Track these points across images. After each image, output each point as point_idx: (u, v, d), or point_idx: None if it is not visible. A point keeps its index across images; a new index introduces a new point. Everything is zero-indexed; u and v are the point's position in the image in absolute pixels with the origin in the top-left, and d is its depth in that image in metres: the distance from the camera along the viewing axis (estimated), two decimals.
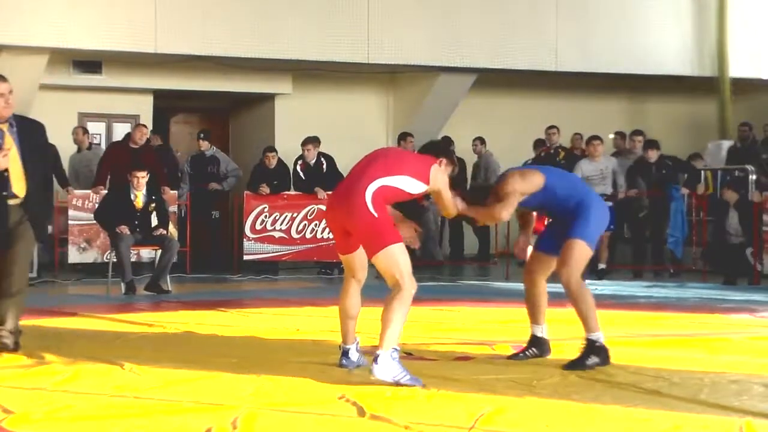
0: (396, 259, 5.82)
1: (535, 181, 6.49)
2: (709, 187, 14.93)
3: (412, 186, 6.02)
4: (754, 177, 14.18)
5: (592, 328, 6.38)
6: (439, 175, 6.12)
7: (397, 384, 5.58)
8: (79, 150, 14.64)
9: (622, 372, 6.18)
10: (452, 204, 6.29)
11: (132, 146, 13.57)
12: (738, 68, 17.24)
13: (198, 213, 14.50)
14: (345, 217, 5.96)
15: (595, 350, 6.33)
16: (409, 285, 5.85)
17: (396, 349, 5.70)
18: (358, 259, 6.20)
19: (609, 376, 6.02)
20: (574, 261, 6.43)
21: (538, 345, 6.75)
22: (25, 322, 8.53)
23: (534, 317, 6.81)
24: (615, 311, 9.69)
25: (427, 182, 6.05)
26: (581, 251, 6.45)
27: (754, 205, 13.34)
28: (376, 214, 5.82)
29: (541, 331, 6.79)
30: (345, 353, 6.28)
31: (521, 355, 6.72)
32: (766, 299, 10.86)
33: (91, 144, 14.94)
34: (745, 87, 17.47)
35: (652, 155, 13.91)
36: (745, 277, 12.88)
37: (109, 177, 13.50)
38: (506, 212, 6.47)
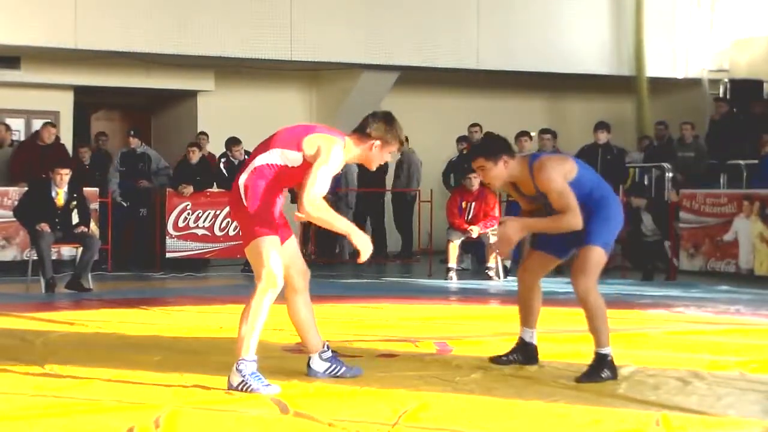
0: (260, 252, 5.45)
1: (569, 169, 5.92)
2: (627, 182, 15.18)
3: (288, 158, 5.55)
4: (671, 175, 14.45)
5: (604, 343, 5.89)
6: (319, 141, 5.57)
7: (244, 390, 5.38)
8: (1, 146, 14.37)
9: (543, 368, 6.27)
10: (312, 189, 5.41)
11: (40, 144, 13.42)
12: (655, 68, 17.57)
13: (126, 210, 14.37)
14: (231, 210, 5.74)
15: (607, 364, 5.86)
16: (268, 282, 5.45)
17: (247, 361, 5.44)
18: (248, 255, 5.66)
19: (530, 372, 6.11)
20: (592, 271, 5.98)
21: (524, 351, 6.31)
22: None
23: (525, 320, 6.38)
24: None
25: (299, 149, 5.52)
26: (600, 259, 6.01)
27: (671, 204, 13.60)
28: (246, 203, 5.48)
29: (531, 336, 6.35)
30: (308, 363, 5.91)
31: (504, 359, 6.29)
32: (682, 295, 11.10)
33: (13, 141, 14.71)
34: (662, 86, 17.80)
35: (602, 137, 14.09)
36: (663, 273, 13.13)
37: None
38: (579, 219, 5.85)
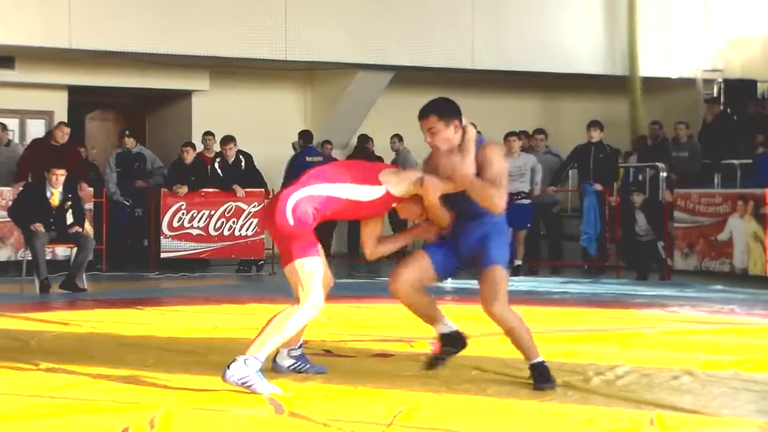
0: (304, 274, 5.50)
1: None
2: (618, 182, 15.20)
3: (358, 193, 5.61)
4: (665, 175, 14.47)
5: (534, 355, 5.68)
6: (395, 177, 5.64)
7: (244, 386, 5.36)
8: None
9: None
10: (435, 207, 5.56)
11: (53, 144, 13.38)
12: (649, 67, 17.58)
13: (121, 210, 14.36)
14: (268, 222, 5.69)
15: (545, 369, 5.65)
16: (313, 304, 5.52)
17: (258, 360, 5.42)
18: (289, 274, 5.63)
19: (525, 372, 6.09)
20: (502, 292, 5.60)
21: (449, 341, 6.01)
22: None
23: (430, 321, 6.01)
24: (531, 307, 9.82)
25: (378, 183, 5.62)
26: (505, 279, 5.65)
27: (665, 204, 13.62)
28: (292, 222, 5.49)
29: (445, 327, 6.02)
30: (273, 357, 5.99)
31: (437, 359, 6.02)
32: (677, 294, 11.12)
33: (9, 141, 14.69)
34: (656, 86, 17.82)
35: (595, 134, 14.12)
36: (657, 272, 13.15)
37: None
38: (503, 203, 5.58)
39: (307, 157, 15.68)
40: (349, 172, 5.71)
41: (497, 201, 5.54)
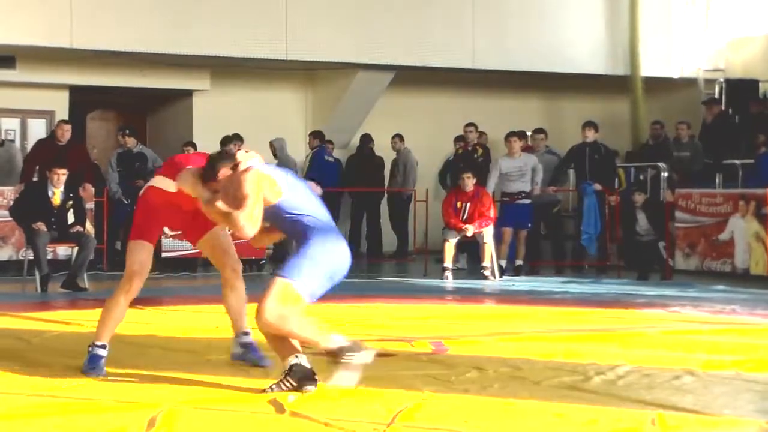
0: (128, 255, 6.16)
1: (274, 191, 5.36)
2: (621, 184, 15.20)
3: (165, 184, 6.03)
4: (666, 175, 14.47)
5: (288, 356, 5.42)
6: (189, 177, 5.73)
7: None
8: None
9: (539, 367, 6.28)
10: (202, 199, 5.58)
11: (58, 143, 13.37)
12: (650, 67, 17.56)
13: (123, 210, 14.34)
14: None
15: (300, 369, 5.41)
16: (124, 283, 6.07)
17: (101, 346, 5.96)
18: (204, 249, 6.34)
19: (526, 372, 6.12)
20: (273, 301, 5.26)
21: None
22: None
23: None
24: (531, 307, 9.84)
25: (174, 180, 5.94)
26: (285, 293, 5.27)
27: (666, 204, 13.62)
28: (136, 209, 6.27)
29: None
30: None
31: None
32: (678, 294, 11.10)
33: (4, 141, 14.68)
34: (657, 86, 17.81)
35: (589, 134, 14.12)
36: (658, 272, 13.15)
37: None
38: (250, 228, 5.28)
39: (325, 156, 15.72)
40: (164, 166, 6.36)
41: (239, 229, 5.30)
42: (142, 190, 6.24)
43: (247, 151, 5.56)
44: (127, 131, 14.91)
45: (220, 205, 5.35)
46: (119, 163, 14.58)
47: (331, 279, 5.45)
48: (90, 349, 6.09)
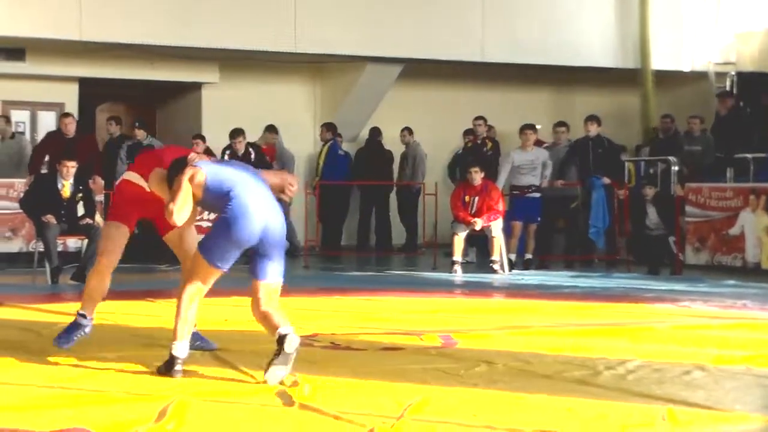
0: (102, 234, 6.72)
1: (198, 185, 5.82)
2: (631, 179, 15.15)
3: (138, 180, 6.40)
4: (677, 168, 14.43)
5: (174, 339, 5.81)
6: (153, 177, 6.15)
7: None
8: (2, 139, 14.37)
9: (548, 361, 6.27)
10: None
11: (66, 135, 13.36)
12: (660, 60, 17.52)
13: None
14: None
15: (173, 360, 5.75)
16: (100, 260, 6.53)
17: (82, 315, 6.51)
18: (171, 241, 6.71)
19: (536, 366, 6.11)
20: (191, 274, 5.93)
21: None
22: None
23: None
24: (541, 301, 9.82)
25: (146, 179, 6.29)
26: (198, 266, 5.90)
27: (676, 198, 13.58)
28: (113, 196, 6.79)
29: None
30: None
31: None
32: (688, 289, 11.07)
33: (14, 133, 14.69)
34: (668, 79, 17.76)
35: (592, 128, 14.07)
36: (668, 267, 13.11)
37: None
38: (177, 215, 5.81)
39: (338, 150, 15.74)
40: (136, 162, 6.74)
41: (169, 216, 5.85)
42: (118, 181, 6.74)
43: (198, 152, 6.37)
44: (137, 123, 14.94)
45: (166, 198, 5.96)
46: (129, 155, 14.58)
47: (238, 247, 5.85)
48: (75, 316, 6.60)
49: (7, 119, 14.59)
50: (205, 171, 5.86)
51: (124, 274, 12.54)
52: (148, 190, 6.36)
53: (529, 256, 13.70)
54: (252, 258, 5.91)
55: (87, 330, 6.57)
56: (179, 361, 5.72)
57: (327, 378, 5.64)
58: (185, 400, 4.99)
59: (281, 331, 5.62)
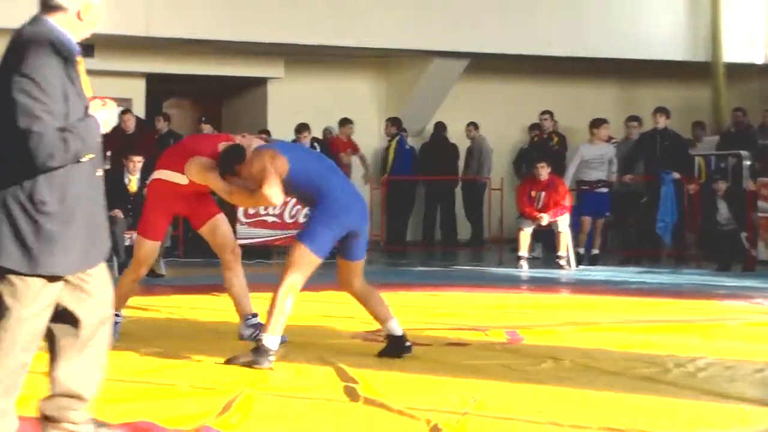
0: (135, 248, 6.75)
1: (281, 165, 5.91)
2: (702, 174, 14.91)
3: (173, 177, 6.44)
4: (749, 163, 14.16)
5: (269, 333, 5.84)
6: (194, 167, 6.24)
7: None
8: None
9: (615, 358, 6.18)
10: (222, 191, 6.20)
11: (126, 132, 13.49)
12: (732, 53, 17.22)
13: None
14: None
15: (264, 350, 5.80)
16: (131, 271, 6.70)
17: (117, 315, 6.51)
18: (206, 234, 6.77)
19: (603, 363, 6.02)
20: (291, 268, 5.84)
21: (396, 345, 6.14)
22: None
23: (381, 320, 6.20)
24: (608, 297, 9.71)
25: (182, 172, 6.35)
26: (301, 256, 5.84)
27: (748, 193, 13.34)
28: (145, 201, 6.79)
29: (394, 328, 6.15)
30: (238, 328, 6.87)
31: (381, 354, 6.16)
32: (761, 285, 10.85)
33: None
34: (739, 72, 17.46)
35: (660, 120, 13.87)
36: (740, 263, 12.87)
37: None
38: (276, 196, 5.87)
39: (405, 145, 15.74)
40: (164, 159, 6.73)
41: (268, 199, 5.91)
42: (150, 181, 6.73)
43: (243, 136, 6.33)
44: (203, 118, 15.06)
45: (242, 189, 6.06)
46: None
47: (341, 234, 5.92)
48: None
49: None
50: (285, 156, 5.92)
51: (190, 269, 12.68)
52: (183, 183, 6.40)
53: (596, 251, 13.55)
54: (344, 241, 6.02)
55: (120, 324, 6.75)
56: (272, 353, 5.75)
57: (392, 373, 5.61)
58: (251, 394, 5.00)
59: (393, 331, 6.09)
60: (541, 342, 6.81)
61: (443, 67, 16.47)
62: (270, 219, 14.15)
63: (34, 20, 3.83)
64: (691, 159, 14.62)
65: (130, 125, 13.52)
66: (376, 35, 15.62)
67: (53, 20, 3.83)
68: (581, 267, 12.91)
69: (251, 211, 14.08)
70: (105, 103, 3.95)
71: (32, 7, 3.91)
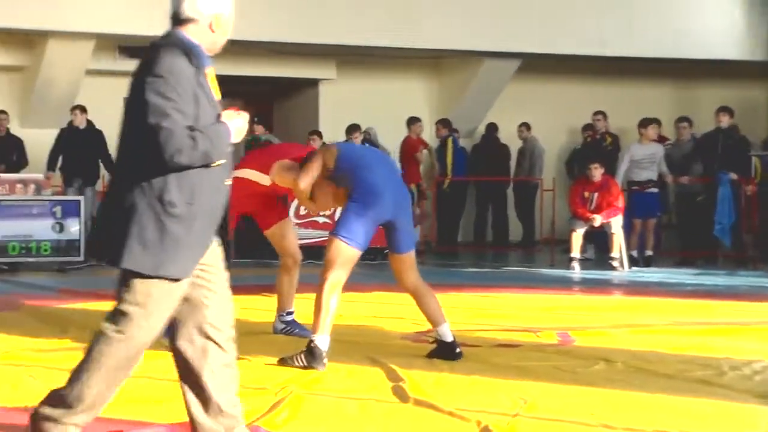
0: None
1: (330, 153, 6.09)
2: (757, 174, 14.69)
3: (256, 177, 6.61)
4: None
5: (315, 333, 5.90)
6: (278, 168, 6.46)
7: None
8: None
9: (669, 360, 6.11)
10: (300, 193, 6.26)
11: None
12: None
13: None
14: None
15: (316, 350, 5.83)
16: None
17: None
18: (274, 236, 6.95)
19: (656, 365, 5.95)
20: (330, 263, 5.87)
21: (444, 351, 6.08)
22: (72, 305, 8.62)
23: (432, 322, 6.16)
24: (662, 298, 9.60)
25: (266, 173, 6.56)
26: (337, 250, 5.88)
27: None
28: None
29: (444, 333, 6.10)
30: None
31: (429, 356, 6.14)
32: None
33: None
34: None
35: (723, 120, 13.71)
36: None
37: None
38: (302, 181, 6.09)
39: (458, 146, 15.72)
40: (249, 158, 6.98)
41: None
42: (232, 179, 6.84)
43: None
44: (256, 119, 15.15)
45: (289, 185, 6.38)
46: (247, 150, 14.76)
47: (375, 223, 5.94)
48: None
49: None
50: (337, 145, 6.19)
51: (240, 270, 12.72)
52: (264, 184, 6.54)
53: (649, 252, 13.42)
54: (387, 234, 6.04)
55: None
56: (324, 353, 5.76)
57: (442, 374, 5.59)
58: (300, 394, 5.00)
59: (443, 337, 6.05)
60: (592, 344, 6.75)
61: (495, 67, 16.41)
62: (321, 220, 14.16)
63: (167, 34, 3.90)
64: (749, 159, 14.41)
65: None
66: (429, 37, 15.59)
67: (185, 32, 3.89)
68: (634, 268, 12.78)
69: (303, 212, 14.10)
70: (239, 113, 3.98)
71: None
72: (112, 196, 3.76)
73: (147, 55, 3.80)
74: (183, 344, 3.89)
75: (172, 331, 3.91)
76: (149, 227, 3.65)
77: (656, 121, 13.87)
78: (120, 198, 3.70)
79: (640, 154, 13.51)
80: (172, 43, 3.82)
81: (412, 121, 15.66)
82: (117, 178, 3.79)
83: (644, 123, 13.72)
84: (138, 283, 3.72)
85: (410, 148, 15.30)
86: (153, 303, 3.73)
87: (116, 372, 3.81)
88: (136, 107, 3.69)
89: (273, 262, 13.50)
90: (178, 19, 3.90)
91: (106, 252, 3.73)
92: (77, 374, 3.81)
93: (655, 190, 13.53)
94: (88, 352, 3.81)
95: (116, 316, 3.77)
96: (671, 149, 14.21)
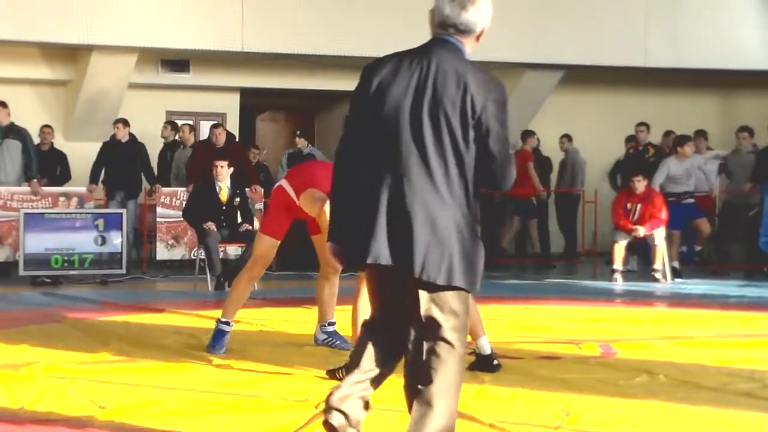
0: (255, 244, 6.98)
1: None
2: None
3: (292, 192, 6.83)
4: None
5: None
6: (307, 197, 6.65)
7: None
8: (184, 146, 14.68)
9: (712, 373, 6.05)
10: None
11: (216, 146, 13.64)
12: None
13: None
14: None
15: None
16: (248, 269, 6.88)
17: (226, 322, 6.82)
18: (318, 244, 7.02)
19: (699, 377, 5.89)
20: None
21: (482, 363, 6.06)
22: (114, 317, 8.68)
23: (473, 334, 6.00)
24: (705, 311, 9.52)
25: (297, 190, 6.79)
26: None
27: None
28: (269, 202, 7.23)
29: (481, 347, 6.08)
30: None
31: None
32: None
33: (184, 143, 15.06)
34: None
35: None
36: None
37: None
38: (325, 220, 6.14)
39: None
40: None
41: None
42: (275, 186, 7.09)
43: None
44: (298, 132, 15.20)
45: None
46: (289, 163, 14.82)
47: None
48: (216, 324, 6.91)
49: (192, 128, 14.93)
50: None
51: (282, 282, 12.76)
52: (296, 202, 6.71)
53: (675, 263, 13.23)
54: None
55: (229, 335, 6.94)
56: None
57: (483, 386, 5.57)
58: None
59: (482, 350, 6.05)
60: (635, 356, 6.70)
61: (536, 79, 16.36)
62: None
63: (457, 48, 4.06)
64: None
65: (221, 139, 13.71)
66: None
67: (465, 43, 4.06)
68: (677, 280, 12.68)
69: None
70: None
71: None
72: (445, 217, 3.71)
73: (489, 77, 4.00)
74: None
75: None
76: (469, 248, 3.74)
77: (697, 136, 13.76)
78: (455, 220, 3.72)
79: (677, 170, 13.49)
80: (476, 66, 3.94)
81: (529, 134, 15.53)
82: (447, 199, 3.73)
83: (680, 141, 13.68)
84: (456, 303, 3.75)
85: (522, 160, 15.16)
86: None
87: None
88: (484, 132, 3.75)
89: (314, 274, 13.58)
90: (457, 28, 4.05)
91: (436, 271, 3.68)
92: (445, 405, 3.89)
93: (691, 200, 13.48)
94: (445, 378, 3.85)
95: (455, 333, 3.76)
96: (731, 158, 14.11)
